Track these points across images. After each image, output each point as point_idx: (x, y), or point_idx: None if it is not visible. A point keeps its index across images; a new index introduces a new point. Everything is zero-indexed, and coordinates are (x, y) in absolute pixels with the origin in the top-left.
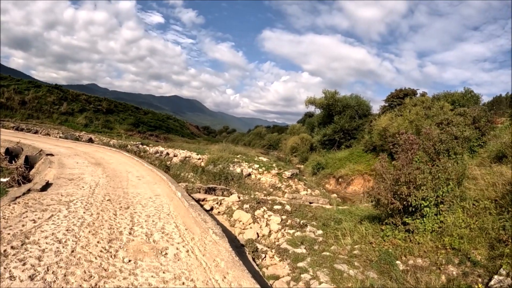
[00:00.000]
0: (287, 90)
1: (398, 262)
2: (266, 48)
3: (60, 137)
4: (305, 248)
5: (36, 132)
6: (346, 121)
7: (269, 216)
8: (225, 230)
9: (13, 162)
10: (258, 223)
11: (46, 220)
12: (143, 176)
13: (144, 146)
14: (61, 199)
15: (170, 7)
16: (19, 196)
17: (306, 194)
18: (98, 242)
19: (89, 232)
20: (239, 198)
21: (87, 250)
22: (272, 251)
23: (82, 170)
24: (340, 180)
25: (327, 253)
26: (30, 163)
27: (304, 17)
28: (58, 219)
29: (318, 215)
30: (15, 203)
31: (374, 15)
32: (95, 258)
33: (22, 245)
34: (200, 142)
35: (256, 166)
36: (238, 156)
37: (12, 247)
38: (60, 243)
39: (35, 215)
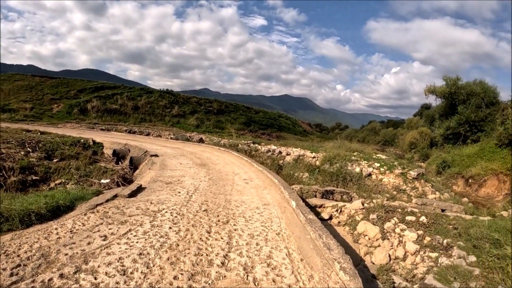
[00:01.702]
0: (399, 82)
1: None
2: (373, 39)
3: (171, 138)
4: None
5: (148, 134)
6: (472, 111)
7: (402, 230)
8: (348, 247)
9: (120, 163)
10: (389, 239)
11: (120, 237)
12: (251, 179)
13: (256, 145)
14: (148, 208)
15: (271, 8)
16: (101, 203)
17: (435, 198)
18: (175, 277)
19: (168, 259)
20: (362, 204)
21: None
22: None
23: (184, 172)
24: (470, 181)
25: None
26: (134, 164)
27: (408, 2)
28: (134, 236)
29: (462, 230)
30: (93, 212)
31: None
32: None
33: (75, 273)
34: (313, 139)
35: (377, 164)
36: (355, 154)
37: (61, 275)
38: (123, 274)
39: (109, 229)
